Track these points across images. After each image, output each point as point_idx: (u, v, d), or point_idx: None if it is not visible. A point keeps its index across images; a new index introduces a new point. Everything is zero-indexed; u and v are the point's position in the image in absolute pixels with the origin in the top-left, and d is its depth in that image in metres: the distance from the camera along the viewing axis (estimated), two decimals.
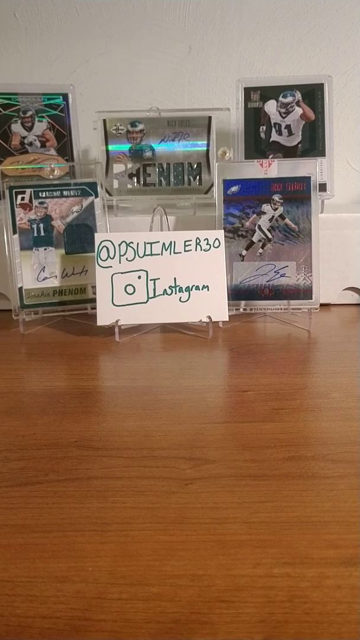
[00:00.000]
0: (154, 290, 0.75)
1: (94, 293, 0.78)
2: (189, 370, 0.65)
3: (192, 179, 0.88)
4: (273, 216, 0.79)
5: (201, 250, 0.75)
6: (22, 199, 0.79)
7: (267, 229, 0.79)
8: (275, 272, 0.79)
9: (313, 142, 0.86)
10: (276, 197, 0.78)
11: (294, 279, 0.79)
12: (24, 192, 0.79)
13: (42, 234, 0.80)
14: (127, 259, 0.75)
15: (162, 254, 0.75)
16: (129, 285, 0.74)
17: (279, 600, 0.31)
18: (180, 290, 0.75)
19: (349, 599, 0.31)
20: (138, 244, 0.75)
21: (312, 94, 0.85)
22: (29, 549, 0.36)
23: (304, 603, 0.31)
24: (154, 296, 0.75)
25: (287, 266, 0.79)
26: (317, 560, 0.34)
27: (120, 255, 0.74)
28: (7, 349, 0.74)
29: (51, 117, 0.90)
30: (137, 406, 0.56)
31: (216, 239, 0.76)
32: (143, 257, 0.75)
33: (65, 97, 0.90)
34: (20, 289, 0.79)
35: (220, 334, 0.77)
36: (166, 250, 0.75)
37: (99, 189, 0.82)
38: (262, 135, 0.87)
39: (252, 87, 0.86)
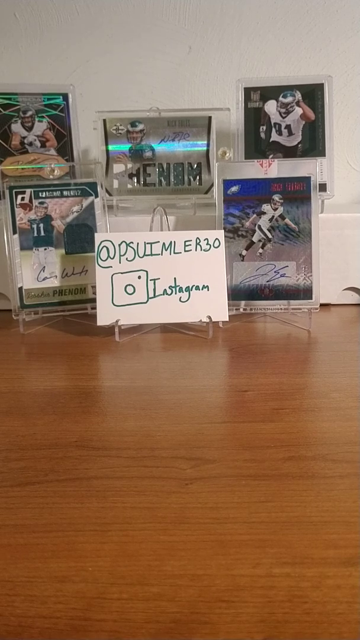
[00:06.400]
0: (154, 290, 0.75)
1: (94, 293, 0.78)
2: (189, 370, 0.65)
3: (192, 179, 0.88)
4: (273, 216, 0.79)
5: (201, 250, 0.75)
6: (22, 199, 0.79)
7: (267, 229, 0.79)
8: (275, 272, 0.79)
9: (313, 142, 0.86)
10: (276, 197, 0.78)
11: (294, 279, 0.79)
12: (24, 192, 0.79)
13: (42, 234, 0.80)
14: (127, 259, 0.75)
15: (162, 254, 0.75)
16: (129, 285, 0.74)
17: (279, 600, 0.31)
18: (180, 290, 0.75)
19: (349, 599, 0.31)
20: (138, 244, 0.75)
21: (312, 94, 0.85)
22: (29, 549, 0.36)
23: (304, 603, 0.31)
24: (154, 296, 0.75)
25: (287, 266, 0.79)
26: (317, 560, 0.34)
27: (120, 255, 0.74)
28: (7, 349, 0.74)
29: (51, 117, 0.90)
30: (137, 406, 0.56)
31: (216, 239, 0.76)
32: (143, 257, 0.75)
33: (65, 97, 0.90)
34: (20, 289, 0.79)
35: (220, 334, 0.77)
36: (166, 250, 0.75)
37: (99, 189, 0.82)
38: (262, 135, 0.87)
39: (252, 87, 0.86)
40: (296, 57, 1.01)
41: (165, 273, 0.75)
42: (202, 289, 0.75)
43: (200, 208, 0.88)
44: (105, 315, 0.74)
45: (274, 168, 0.79)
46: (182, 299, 0.75)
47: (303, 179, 0.78)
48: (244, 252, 0.79)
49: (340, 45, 1.00)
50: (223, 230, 0.77)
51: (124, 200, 0.89)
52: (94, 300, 0.77)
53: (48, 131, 0.90)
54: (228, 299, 0.76)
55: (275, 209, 0.79)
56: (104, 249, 0.74)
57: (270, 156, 0.86)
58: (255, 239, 0.79)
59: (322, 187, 0.84)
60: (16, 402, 0.57)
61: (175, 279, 0.75)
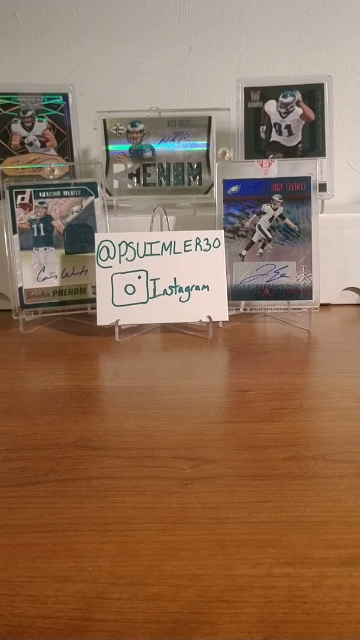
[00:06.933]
0: (154, 290, 0.75)
1: (94, 293, 0.78)
2: (189, 370, 0.65)
3: (192, 179, 0.88)
4: (273, 216, 0.79)
5: (201, 250, 0.75)
6: (22, 199, 0.79)
7: (267, 229, 0.79)
8: (275, 272, 0.79)
9: (313, 142, 0.86)
10: (276, 197, 0.78)
11: (294, 279, 0.79)
12: (24, 192, 0.79)
13: (42, 234, 0.80)
14: (127, 259, 0.75)
15: (162, 254, 0.75)
16: (129, 285, 0.74)
17: (279, 600, 0.31)
18: (180, 290, 0.75)
19: (349, 599, 0.31)
20: (138, 244, 0.75)
21: (312, 94, 0.85)
22: (29, 549, 0.36)
23: (304, 603, 0.31)
24: (154, 296, 0.75)
25: (287, 266, 0.79)
26: (317, 560, 0.34)
27: (120, 255, 0.74)
28: (7, 349, 0.74)
29: (51, 117, 0.90)
30: (137, 406, 0.56)
31: (216, 239, 0.76)
32: (143, 257, 0.75)
33: (65, 97, 0.90)
34: (20, 289, 0.79)
35: (220, 334, 0.77)
36: (166, 250, 0.75)
37: (99, 189, 0.82)
38: (262, 135, 0.87)
39: (252, 87, 0.86)
40: (296, 57, 1.01)
41: (165, 273, 0.75)
42: (202, 289, 0.75)
43: (200, 208, 0.88)
44: (105, 315, 0.74)
45: (274, 168, 0.79)
46: (182, 299, 0.75)
47: (303, 179, 0.78)
48: (244, 252, 0.79)
49: (340, 45, 1.00)
50: (223, 230, 0.77)
51: (124, 200, 0.89)
52: (94, 300, 0.77)
53: (48, 131, 0.90)
54: (228, 299, 0.76)
55: (275, 209, 0.79)
56: (104, 249, 0.74)
57: (270, 156, 0.86)
58: (255, 239, 0.79)
59: (322, 187, 0.84)
60: (16, 402, 0.57)
61: (175, 279, 0.75)
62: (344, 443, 0.48)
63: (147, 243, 0.75)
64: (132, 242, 0.75)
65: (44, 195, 0.80)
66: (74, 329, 0.80)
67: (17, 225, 0.79)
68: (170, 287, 0.75)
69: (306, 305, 0.79)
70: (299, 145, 0.86)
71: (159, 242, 0.75)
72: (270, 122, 0.87)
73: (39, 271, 0.80)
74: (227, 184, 0.79)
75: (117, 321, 0.74)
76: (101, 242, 0.74)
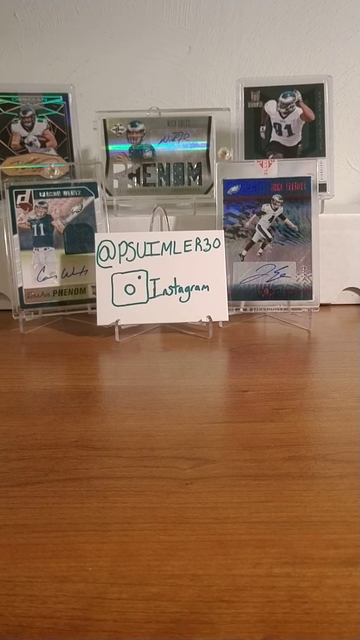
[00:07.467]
0: (154, 290, 0.75)
1: (94, 293, 0.78)
2: (189, 370, 0.65)
3: (192, 179, 0.88)
4: (273, 216, 0.79)
5: (201, 250, 0.75)
6: (22, 198, 0.79)
7: (267, 229, 0.79)
8: (275, 272, 0.79)
9: (313, 142, 0.86)
10: (276, 197, 0.78)
11: (294, 279, 0.79)
12: (24, 192, 0.79)
13: (42, 233, 0.80)
14: (127, 259, 0.75)
15: (162, 254, 0.75)
16: (129, 285, 0.74)
17: (279, 600, 0.31)
18: (180, 290, 0.75)
19: (349, 599, 0.31)
20: (138, 244, 0.75)
21: (312, 94, 0.85)
22: (29, 549, 0.36)
23: (304, 603, 0.31)
24: (154, 296, 0.75)
25: (287, 266, 0.79)
26: (317, 560, 0.34)
27: (120, 255, 0.74)
28: (7, 349, 0.74)
29: (51, 117, 0.90)
30: (137, 406, 0.56)
31: (216, 239, 0.76)
32: (143, 257, 0.75)
33: (65, 97, 0.90)
34: (20, 289, 0.79)
35: (220, 334, 0.77)
36: (166, 250, 0.75)
37: (99, 189, 0.82)
38: (262, 135, 0.87)
39: (252, 87, 0.86)
40: (296, 57, 1.01)
41: (165, 273, 0.75)
42: (202, 289, 0.75)
43: (200, 208, 0.88)
44: (105, 315, 0.74)
45: (274, 168, 0.79)
46: (182, 299, 0.75)
47: (303, 179, 0.78)
48: (244, 252, 0.79)
49: (340, 45, 1.00)
50: (223, 230, 0.77)
51: (124, 200, 0.89)
52: (94, 300, 0.77)
53: (48, 131, 0.90)
54: (228, 299, 0.76)
55: (275, 209, 0.79)
56: (104, 249, 0.74)
57: (270, 156, 0.86)
58: (255, 239, 0.79)
59: (322, 187, 0.84)
60: (16, 402, 0.57)
61: (175, 279, 0.75)
62: (344, 443, 0.48)
63: (147, 243, 0.75)
64: (132, 242, 0.75)
65: (44, 195, 0.80)
66: (74, 329, 0.80)
67: (17, 225, 0.79)
68: (170, 287, 0.75)
69: (306, 305, 0.79)
70: (299, 145, 0.86)
71: (159, 242, 0.75)
72: (270, 122, 0.87)
73: (39, 271, 0.80)
74: (227, 184, 0.79)
75: (117, 321, 0.74)
76: (101, 242, 0.74)
